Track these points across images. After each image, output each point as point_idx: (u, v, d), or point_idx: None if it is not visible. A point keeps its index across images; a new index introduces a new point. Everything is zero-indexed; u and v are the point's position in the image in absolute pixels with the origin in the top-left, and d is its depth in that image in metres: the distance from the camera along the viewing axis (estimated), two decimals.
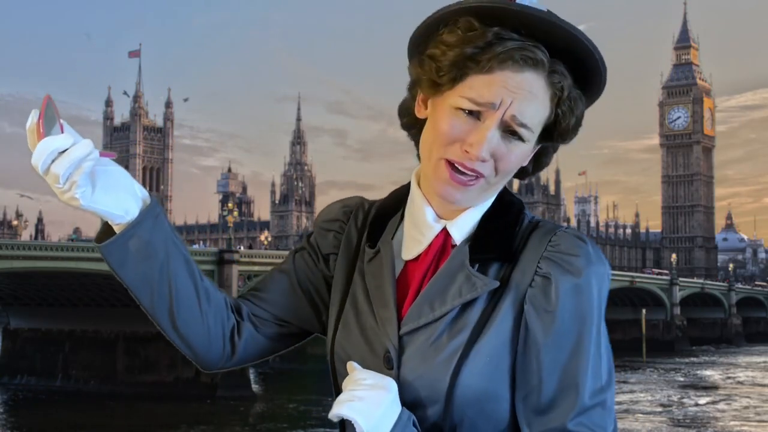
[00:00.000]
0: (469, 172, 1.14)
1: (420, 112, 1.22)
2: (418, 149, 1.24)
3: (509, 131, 1.13)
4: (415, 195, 1.24)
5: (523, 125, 1.13)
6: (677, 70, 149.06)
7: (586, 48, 1.14)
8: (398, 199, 1.28)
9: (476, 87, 1.13)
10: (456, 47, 1.13)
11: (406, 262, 1.22)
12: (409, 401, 1.14)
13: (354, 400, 1.09)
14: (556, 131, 1.18)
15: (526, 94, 1.13)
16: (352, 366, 1.15)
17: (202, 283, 1.22)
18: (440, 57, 1.14)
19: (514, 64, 1.12)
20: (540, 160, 1.24)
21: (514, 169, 1.17)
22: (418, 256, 1.21)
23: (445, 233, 1.21)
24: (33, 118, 1.07)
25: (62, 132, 1.07)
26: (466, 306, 1.15)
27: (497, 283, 1.15)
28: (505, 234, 1.19)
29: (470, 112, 1.13)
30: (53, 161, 1.06)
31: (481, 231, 1.19)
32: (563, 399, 1.11)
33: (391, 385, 1.12)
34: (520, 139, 1.14)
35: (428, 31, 1.17)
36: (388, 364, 1.16)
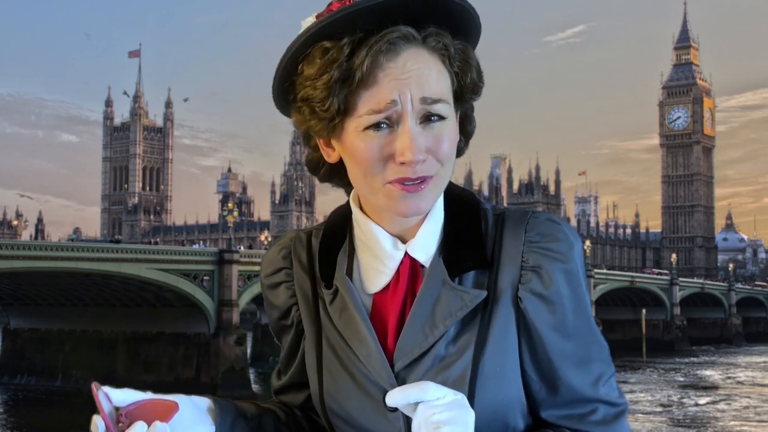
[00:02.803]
0: (415, 180, 1.05)
1: (330, 157, 1.12)
2: (348, 193, 1.20)
3: (427, 117, 1.05)
4: (360, 221, 1.15)
5: (435, 101, 1.04)
6: (677, 70, 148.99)
7: (451, 1, 1.05)
8: (340, 225, 1.19)
9: (367, 98, 1.04)
10: (323, 75, 1.04)
11: (374, 296, 1.14)
12: None
13: (442, 429, 0.97)
14: (465, 89, 1.10)
15: (416, 71, 1.04)
16: (421, 382, 1.00)
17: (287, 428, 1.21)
18: (313, 94, 1.05)
19: (386, 53, 1.03)
20: (465, 128, 1.15)
21: (452, 152, 1.08)
22: (387, 286, 1.13)
23: (409, 258, 1.12)
24: (99, 422, 1.00)
25: (108, 401, 1.02)
26: (461, 322, 1.09)
27: (485, 293, 1.09)
28: (474, 237, 1.12)
29: (378, 126, 1.04)
30: None
31: (448, 241, 1.12)
32: (582, 379, 1.11)
33: (465, 399, 1.01)
34: (441, 117, 1.05)
35: (289, 75, 1.08)
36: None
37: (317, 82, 1.04)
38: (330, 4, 1.05)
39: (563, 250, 1.10)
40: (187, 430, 1.03)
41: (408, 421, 1.06)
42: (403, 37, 1.04)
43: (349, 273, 1.15)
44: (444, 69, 1.07)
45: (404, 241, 1.13)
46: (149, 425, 0.98)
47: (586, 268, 41.98)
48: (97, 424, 0.99)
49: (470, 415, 0.99)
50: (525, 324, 1.10)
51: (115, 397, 1.01)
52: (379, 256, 1.13)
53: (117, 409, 1.02)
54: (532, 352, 1.11)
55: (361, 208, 1.15)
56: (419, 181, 1.05)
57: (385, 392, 1.06)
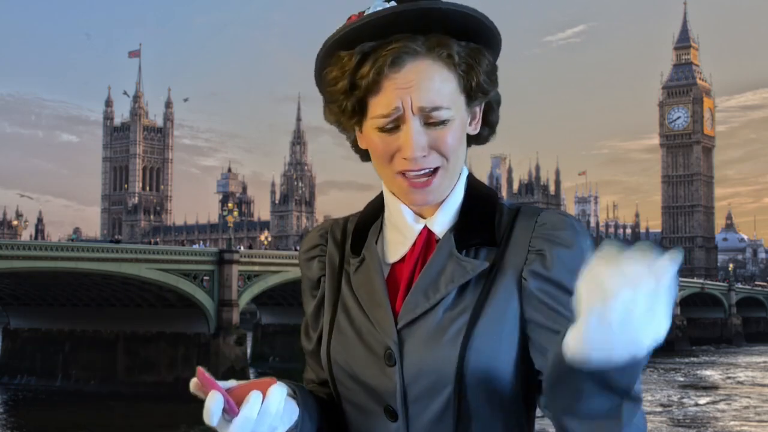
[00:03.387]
0: (419, 171, 1.19)
1: (362, 144, 1.27)
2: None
3: (429, 123, 1.18)
4: (389, 201, 1.28)
5: (434, 109, 1.17)
6: (677, 70, 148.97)
7: (451, 11, 1.16)
8: (375, 209, 1.32)
9: (375, 104, 1.18)
10: (338, 82, 1.20)
11: (392, 265, 1.26)
12: (418, 392, 1.17)
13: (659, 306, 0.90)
14: (474, 89, 1.21)
15: (417, 82, 1.17)
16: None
17: (331, 410, 1.26)
18: (334, 97, 1.22)
19: (391, 66, 1.16)
20: (488, 118, 1.28)
21: (458, 146, 1.21)
22: (404, 257, 1.25)
23: (426, 230, 1.25)
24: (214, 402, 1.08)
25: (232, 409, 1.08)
26: (462, 290, 1.19)
27: (486, 264, 1.19)
28: (485, 221, 1.23)
29: (389, 129, 1.19)
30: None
31: (462, 221, 1.23)
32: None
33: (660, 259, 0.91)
34: (442, 123, 1.18)
35: (319, 75, 1.24)
36: (390, 360, 1.18)
37: (335, 87, 1.20)
38: (349, 18, 1.20)
39: (567, 236, 1.18)
40: (285, 402, 1.12)
41: (402, 377, 1.17)
42: (407, 51, 1.17)
43: (377, 245, 1.29)
44: (450, 74, 1.19)
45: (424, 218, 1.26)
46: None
47: None
48: (214, 397, 1.08)
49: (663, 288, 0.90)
50: (530, 302, 1.17)
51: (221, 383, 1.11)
52: (401, 230, 1.26)
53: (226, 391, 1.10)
54: (537, 328, 1.16)
55: (392, 192, 1.28)
56: (425, 175, 1.20)
57: (387, 348, 1.19)
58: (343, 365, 1.22)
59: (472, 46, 1.20)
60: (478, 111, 1.26)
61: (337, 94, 1.21)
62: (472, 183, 1.28)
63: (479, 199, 1.26)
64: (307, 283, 1.36)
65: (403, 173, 1.20)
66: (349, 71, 1.18)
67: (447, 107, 1.18)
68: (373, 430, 1.21)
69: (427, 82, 1.17)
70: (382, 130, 1.19)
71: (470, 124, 1.25)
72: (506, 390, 1.17)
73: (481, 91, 1.22)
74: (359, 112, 1.21)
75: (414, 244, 1.25)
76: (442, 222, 1.24)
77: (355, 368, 1.21)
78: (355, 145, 1.30)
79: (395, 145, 1.19)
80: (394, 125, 1.19)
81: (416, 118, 1.17)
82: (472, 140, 1.28)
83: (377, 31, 1.17)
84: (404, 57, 1.17)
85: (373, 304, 1.23)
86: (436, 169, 1.20)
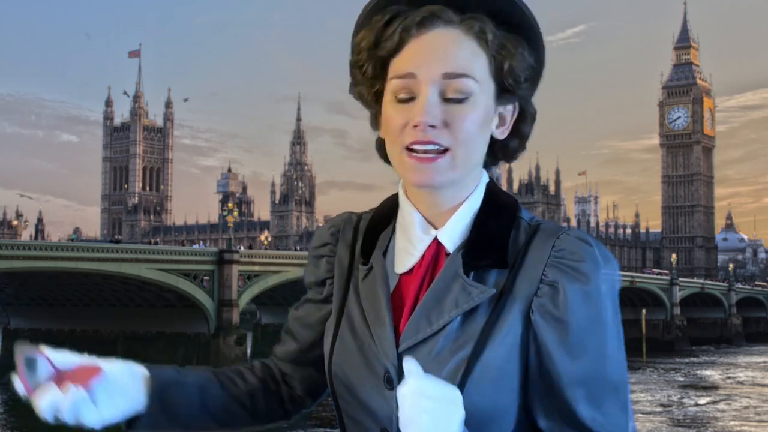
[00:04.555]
0: (427, 145, 1.10)
1: (380, 127, 1.20)
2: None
3: (448, 98, 1.10)
4: (403, 204, 1.20)
5: (458, 75, 1.09)
6: (677, 70, 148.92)
7: None
8: (389, 209, 1.24)
9: (394, 64, 1.13)
10: (364, 40, 1.14)
11: (400, 276, 1.18)
12: None
13: (423, 418, 0.98)
14: (506, 76, 1.13)
15: (441, 48, 1.10)
16: (413, 366, 1.00)
17: (228, 393, 1.27)
18: (356, 58, 1.16)
19: (418, 28, 1.11)
20: (519, 128, 1.19)
21: (476, 134, 1.12)
22: (412, 268, 1.17)
23: (436, 243, 1.16)
24: (17, 385, 1.12)
25: (53, 367, 1.12)
26: (467, 317, 1.10)
27: (494, 291, 1.10)
28: (499, 238, 1.13)
29: (404, 99, 1.12)
30: (57, 415, 1.11)
31: (473, 237, 1.14)
32: (585, 407, 1.08)
33: (459, 397, 1.02)
34: (464, 98, 1.10)
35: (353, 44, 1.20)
36: (389, 384, 1.12)
37: (361, 47, 1.15)
38: None
39: (586, 271, 1.09)
40: (110, 398, 1.13)
41: None
42: (438, 16, 1.10)
43: (385, 254, 1.21)
44: (481, 51, 1.11)
45: (437, 228, 1.18)
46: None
47: None
48: (15, 382, 1.12)
49: (457, 414, 1.00)
50: (534, 337, 1.09)
51: (55, 359, 1.13)
52: (411, 239, 1.18)
53: (59, 371, 1.12)
54: (538, 365, 1.09)
55: (406, 194, 1.20)
56: (434, 152, 1.10)
57: (386, 371, 1.12)
58: (344, 380, 1.17)
59: (515, 36, 1.13)
60: (510, 113, 1.17)
61: (361, 54, 1.15)
62: (491, 190, 1.19)
63: (496, 212, 1.16)
64: (311, 278, 1.31)
65: (410, 148, 1.11)
66: (376, 29, 1.13)
67: (473, 78, 1.10)
68: None
69: (454, 48, 1.10)
70: (397, 99, 1.12)
71: (498, 127, 1.17)
72: (506, 427, 1.10)
73: (514, 80, 1.13)
74: (381, 77, 1.15)
75: (423, 257, 1.17)
76: (452, 235, 1.15)
77: (356, 385, 1.16)
78: (378, 143, 1.23)
79: (408, 115, 1.11)
80: (409, 96, 1.11)
81: (435, 88, 1.10)
82: (500, 153, 1.20)
83: (414, 2, 1.12)
84: (434, 20, 1.10)
85: (377, 321, 1.16)
86: (446, 150, 1.10)
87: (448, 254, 1.15)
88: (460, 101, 1.10)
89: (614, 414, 1.09)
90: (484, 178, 1.20)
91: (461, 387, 1.06)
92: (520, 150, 1.22)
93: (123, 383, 1.16)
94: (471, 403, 1.05)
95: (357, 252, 1.24)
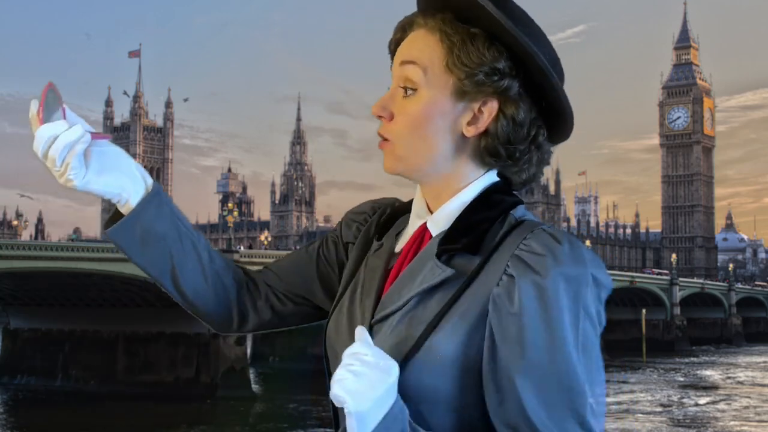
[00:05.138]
0: (380, 136, 1.20)
1: None
2: None
3: (403, 87, 1.18)
4: (416, 195, 1.27)
5: (406, 62, 1.17)
6: (677, 70, 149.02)
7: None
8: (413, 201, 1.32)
9: None
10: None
11: (397, 255, 1.25)
12: None
13: (347, 378, 1.02)
14: (455, 60, 1.15)
15: (406, 44, 1.20)
16: (361, 333, 1.06)
17: (212, 264, 1.30)
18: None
19: (400, 33, 1.22)
20: (488, 128, 1.17)
21: (411, 130, 1.17)
22: (402, 249, 1.24)
23: (424, 226, 1.22)
24: (33, 107, 1.14)
25: (64, 117, 1.14)
26: (427, 296, 1.12)
27: (452, 271, 1.11)
28: (477, 227, 1.15)
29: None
30: (50, 146, 1.13)
31: (455, 224, 1.17)
32: (536, 404, 1.04)
33: (393, 368, 1.04)
34: (411, 93, 1.17)
35: None
36: None
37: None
38: None
39: (545, 264, 1.06)
40: (102, 166, 1.17)
41: None
42: (412, 22, 1.20)
43: (399, 235, 1.28)
44: (436, 44, 1.17)
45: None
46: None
47: None
48: (33, 104, 1.14)
49: (385, 383, 1.02)
50: (489, 330, 1.08)
51: (71, 116, 1.15)
52: (412, 221, 1.25)
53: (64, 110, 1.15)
54: (490, 356, 1.07)
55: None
56: (383, 142, 1.20)
57: None
58: (332, 345, 1.23)
59: (473, 30, 1.15)
60: (483, 110, 1.16)
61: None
62: (491, 189, 1.19)
63: (486, 206, 1.17)
64: (336, 235, 1.37)
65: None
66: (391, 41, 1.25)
67: (420, 66, 1.16)
68: None
69: (411, 42, 1.19)
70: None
71: (470, 124, 1.16)
72: (440, 412, 1.09)
73: (464, 73, 1.14)
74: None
75: (411, 238, 1.23)
76: (438, 221, 1.19)
77: (339, 351, 1.18)
78: None
79: None
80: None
81: (398, 89, 1.18)
82: (484, 152, 1.18)
83: (418, 5, 1.22)
84: (407, 28, 1.20)
85: (368, 292, 1.22)
86: (386, 140, 1.19)
87: (431, 238, 1.21)
88: (408, 95, 1.17)
89: (565, 421, 1.04)
90: (488, 177, 1.20)
91: (404, 363, 1.07)
92: (504, 157, 1.18)
93: (125, 166, 1.20)
94: (408, 380, 1.07)
95: (375, 230, 1.31)
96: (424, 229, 1.22)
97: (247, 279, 1.36)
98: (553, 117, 1.19)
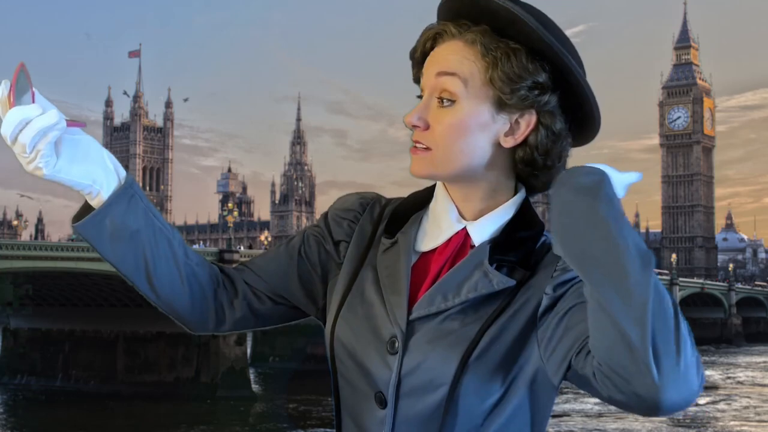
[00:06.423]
0: (417, 143, 1.20)
1: None
2: None
3: (440, 99, 1.19)
4: (439, 195, 1.27)
5: (446, 73, 1.18)
6: (677, 70, 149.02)
7: (495, 3, 1.16)
8: (420, 200, 1.30)
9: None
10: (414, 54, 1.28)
11: (422, 254, 1.24)
12: (412, 386, 1.15)
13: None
14: (495, 77, 1.17)
15: (442, 54, 1.20)
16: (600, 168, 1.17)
17: (187, 262, 1.24)
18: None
19: (431, 42, 1.22)
20: (527, 139, 1.21)
21: (452, 140, 1.18)
22: (435, 249, 1.23)
23: (465, 233, 1.23)
24: (4, 89, 1.08)
25: (33, 101, 1.08)
26: (481, 302, 1.16)
27: (513, 282, 1.16)
28: (527, 242, 1.20)
29: (420, 98, 1.24)
30: (20, 131, 1.07)
31: (504, 236, 1.21)
32: None
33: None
34: (449, 104, 1.18)
35: None
36: (392, 348, 1.17)
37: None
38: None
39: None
40: (87, 150, 1.13)
41: (401, 368, 1.16)
42: (444, 32, 1.21)
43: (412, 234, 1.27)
44: (475, 58, 1.18)
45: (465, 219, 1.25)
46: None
47: None
48: (2, 86, 1.08)
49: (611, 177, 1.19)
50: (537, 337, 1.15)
51: (41, 100, 1.09)
52: (439, 221, 1.24)
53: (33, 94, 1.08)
54: (553, 327, 1.12)
55: (445, 186, 1.27)
56: (419, 148, 1.20)
57: (393, 336, 1.17)
58: (346, 344, 1.21)
59: (512, 44, 1.18)
60: (525, 123, 1.20)
61: (413, 61, 1.27)
62: (526, 206, 1.25)
63: (527, 223, 1.23)
64: (320, 232, 1.32)
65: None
66: (415, 46, 1.26)
67: (461, 78, 1.17)
68: (361, 411, 1.20)
69: (448, 53, 1.19)
70: (417, 97, 1.24)
71: (507, 135, 1.20)
72: (491, 404, 1.15)
73: (507, 87, 1.17)
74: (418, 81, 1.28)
75: (449, 241, 1.23)
76: (482, 230, 1.22)
77: (358, 349, 1.20)
78: None
79: None
80: (421, 96, 1.23)
81: (431, 90, 1.20)
82: (519, 163, 1.23)
83: (443, 14, 1.23)
84: (443, 35, 1.21)
85: (393, 290, 1.20)
86: (428, 149, 1.20)
87: (473, 246, 1.22)
88: (445, 106, 1.18)
89: None
90: (521, 193, 1.25)
91: (467, 356, 1.13)
92: (540, 168, 1.23)
93: (98, 157, 1.14)
94: (473, 372, 1.13)
95: (380, 231, 1.28)
96: (465, 236, 1.23)
97: (224, 277, 1.30)
98: (582, 125, 1.25)
